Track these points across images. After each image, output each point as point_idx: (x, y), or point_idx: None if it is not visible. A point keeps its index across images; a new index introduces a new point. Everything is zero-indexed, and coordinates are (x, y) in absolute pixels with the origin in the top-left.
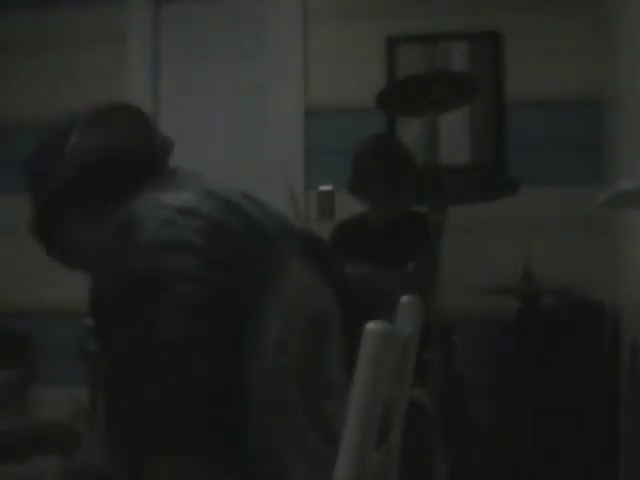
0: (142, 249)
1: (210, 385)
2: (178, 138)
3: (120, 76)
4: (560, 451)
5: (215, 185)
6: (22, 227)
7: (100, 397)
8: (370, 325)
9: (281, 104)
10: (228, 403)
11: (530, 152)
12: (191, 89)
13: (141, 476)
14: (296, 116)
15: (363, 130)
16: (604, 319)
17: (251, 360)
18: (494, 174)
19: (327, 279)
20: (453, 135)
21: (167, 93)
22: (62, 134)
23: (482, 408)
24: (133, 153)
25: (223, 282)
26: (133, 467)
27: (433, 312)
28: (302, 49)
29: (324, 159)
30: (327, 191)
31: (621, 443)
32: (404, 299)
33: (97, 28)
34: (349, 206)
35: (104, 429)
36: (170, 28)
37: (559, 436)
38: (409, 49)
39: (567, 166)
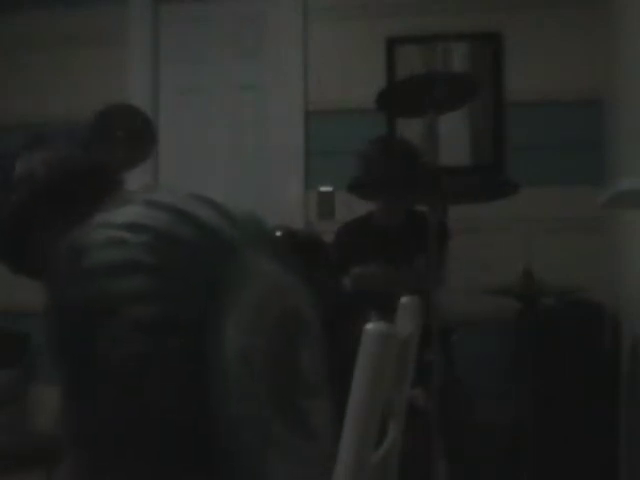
0: (89, 274)
1: (171, 403)
2: (178, 138)
3: (120, 76)
4: (560, 451)
5: (168, 193)
6: None
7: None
8: (370, 325)
9: (281, 104)
10: (191, 420)
11: (530, 152)
12: (191, 89)
13: None
14: (296, 116)
15: (363, 130)
16: (604, 319)
17: (214, 372)
18: (494, 174)
19: (305, 277)
20: (453, 135)
21: (167, 93)
22: (8, 161)
23: (482, 408)
24: (87, 168)
25: (176, 297)
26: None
27: (433, 312)
28: (302, 49)
29: (324, 159)
30: (327, 192)
31: (621, 443)
32: (404, 299)
33: (97, 28)
34: (349, 207)
35: (76, 447)
36: (170, 28)
37: (559, 436)
38: (409, 49)
39: (567, 166)
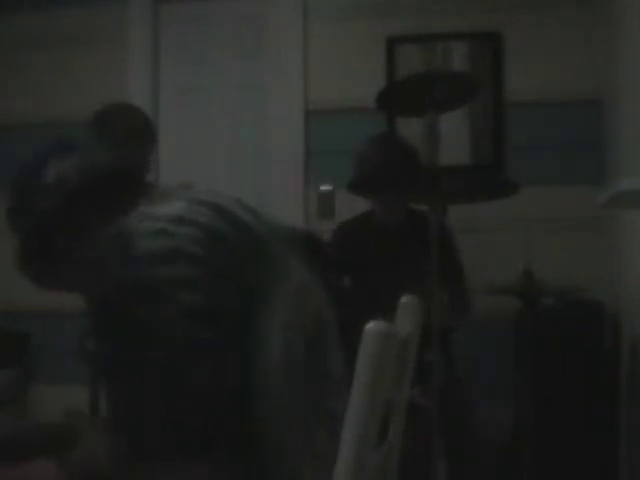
0: (138, 259)
1: (212, 389)
2: (178, 138)
3: (120, 76)
4: (560, 451)
5: (206, 192)
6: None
7: (104, 399)
8: (370, 325)
9: (281, 104)
10: (232, 406)
11: (530, 152)
12: (191, 89)
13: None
14: (296, 116)
15: (363, 130)
16: (604, 319)
17: (253, 362)
18: (494, 174)
19: (322, 280)
20: (453, 135)
21: (167, 93)
22: (39, 165)
23: (482, 408)
24: (117, 171)
25: (219, 288)
26: (136, 468)
27: (433, 312)
28: (302, 49)
29: (324, 159)
30: (327, 191)
31: (621, 443)
32: (404, 299)
33: (97, 28)
34: (349, 206)
35: (111, 430)
36: (170, 28)
37: (559, 436)
38: (409, 49)
39: (567, 166)
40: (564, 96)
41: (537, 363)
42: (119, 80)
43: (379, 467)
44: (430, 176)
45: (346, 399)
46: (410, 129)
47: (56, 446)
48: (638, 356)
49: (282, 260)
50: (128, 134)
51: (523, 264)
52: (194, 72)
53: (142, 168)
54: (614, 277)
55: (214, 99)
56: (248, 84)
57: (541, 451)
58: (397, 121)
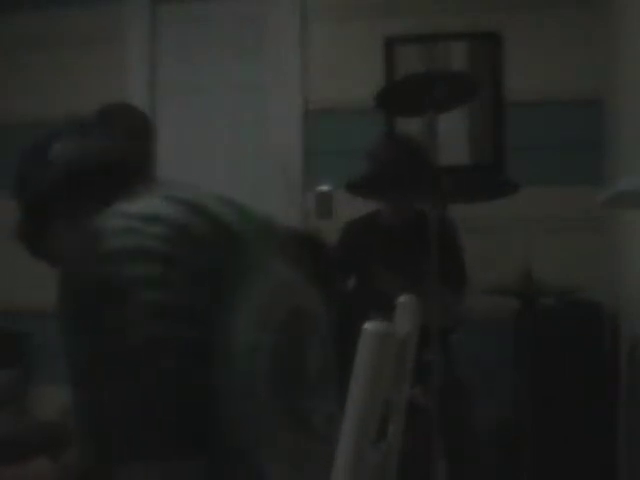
0: (105, 257)
1: (177, 389)
2: (177, 138)
3: (119, 76)
4: (560, 451)
5: (184, 188)
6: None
7: (71, 398)
8: (368, 325)
9: (281, 104)
10: (197, 406)
11: (530, 152)
12: (191, 89)
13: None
14: (296, 116)
15: (363, 130)
16: (604, 319)
17: (220, 362)
18: (494, 174)
19: (313, 278)
20: (453, 134)
21: (166, 93)
22: (46, 142)
23: (482, 408)
24: (121, 160)
25: (187, 287)
26: (108, 469)
27: (433, 312)
28: (302, 49)
29: (324, 159)
30: (325, 191)
31: (621, 443)
32: (402, 298)
33: (97, 28)
34: (348, 206)
35: (78, 426)
36: (170, 28)
37: (559, 436)
38: (408, 49)
39: (567, 166)
40: (564, 96)
41: (536, 363)
42: (119, 80)
43: (378, 466)
44: (430, 175)
45: (326, 399)
46: (410, 129)
47: (55, 445)
48: (637, 356)
49: (261, 258)
50: (128, 134)
51: (523, 264)
52: (193, 72)
53: (145, 162)
54: (614, 277)
55: (214, 99)
56: (248, 84)
57: (541, 451)
58: (396, 121)
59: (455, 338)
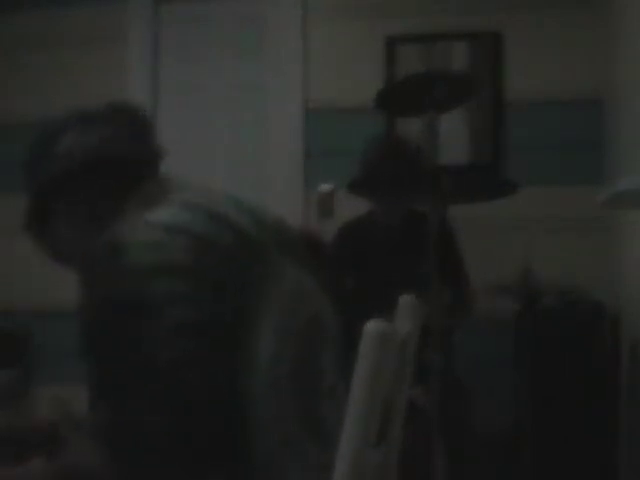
0: (129, 273)
1: (204, 403)
2: (178, 138)
3: (120, 76)
4: (560, 451)
5: (201, 194)
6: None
7: (93, 411)
8: (369, 325)
9: (281, 104)
10: (224, 420)
11: (530, 152)
12: (191, 89)
13: None
14: (296, 116)
15: (363, 130)
16: (604, 319)
17: (246, 375)
18: (493, 174)
19: (323, 282)
20: (453, 134)
21: (167, 93)
22: (56, 132)
23: (482, 408)
24: (127, 156)
25: (211, 300)
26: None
27: (433, 312)
28: (302, 49)
29: (324, 159)
30: (327, 191)
31: (621, 443)
32: (403, 298)
33: (97, 28)
34: (349, 206)
35: (101, 442)
36: (170, 28)
37: (559, 436)
38: (409, 49)
39: (567, 166)
40: (564, 96)
41: (536, 363)
42: (119, 80)
43: (379, 466)
44: (430, 176)
45: (339, 403)
46: (410, 129)
47: (54, 445)
48: (638, 356)
49: (278, 266)
50: (130, 132)
51: (523, 264)
52: (194, 72)
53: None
54: (614, 277)
55: (214, 99)
56: (248, 84)
57: (541, 451)
58: (397, 121)
59: (455, 338)
